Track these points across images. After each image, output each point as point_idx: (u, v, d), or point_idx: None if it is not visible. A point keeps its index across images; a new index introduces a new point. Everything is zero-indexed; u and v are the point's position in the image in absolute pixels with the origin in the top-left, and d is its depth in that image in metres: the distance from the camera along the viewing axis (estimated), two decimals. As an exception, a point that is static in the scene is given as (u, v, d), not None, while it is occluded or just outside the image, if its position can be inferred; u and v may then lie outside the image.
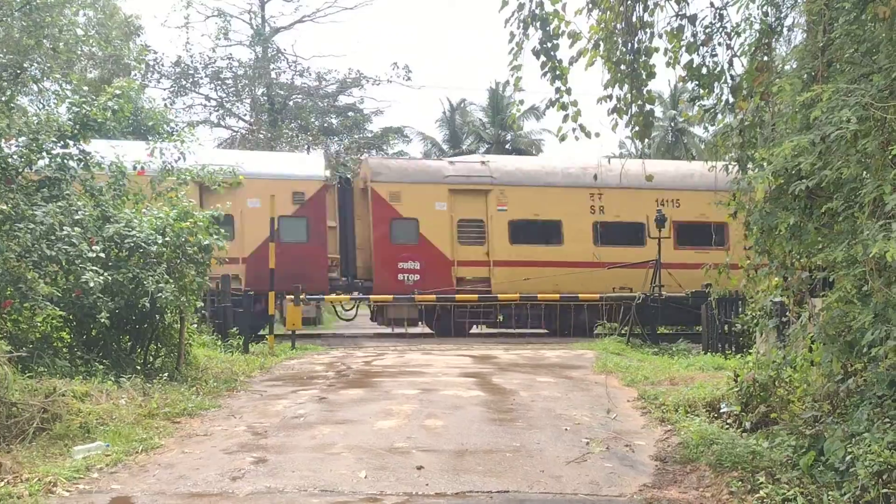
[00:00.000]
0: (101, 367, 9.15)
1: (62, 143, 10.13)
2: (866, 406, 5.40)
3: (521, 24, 7.08)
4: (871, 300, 5.31)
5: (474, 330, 20.25)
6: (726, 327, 14.41)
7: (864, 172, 5.27)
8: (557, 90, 7.28)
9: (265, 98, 35.25)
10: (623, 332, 17.40)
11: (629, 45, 7.09)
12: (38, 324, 9.11)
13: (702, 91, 7.23)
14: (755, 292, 7.44)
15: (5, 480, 5.57)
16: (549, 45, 7.14)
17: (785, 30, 7.24)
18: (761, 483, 5.45)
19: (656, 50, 7.19)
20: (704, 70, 7.14)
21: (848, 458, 5.12)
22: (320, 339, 18.24)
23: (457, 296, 19.06)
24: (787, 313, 7.56)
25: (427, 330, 19.93)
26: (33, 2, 14.32)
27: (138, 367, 9.93)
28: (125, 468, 6.19)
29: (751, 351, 9.77)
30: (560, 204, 19.59)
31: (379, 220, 19.20)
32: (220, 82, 34.90)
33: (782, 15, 7.14)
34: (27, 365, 8.22)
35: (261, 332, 16.81)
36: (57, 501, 5.36)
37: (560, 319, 19.49)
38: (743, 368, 7.87)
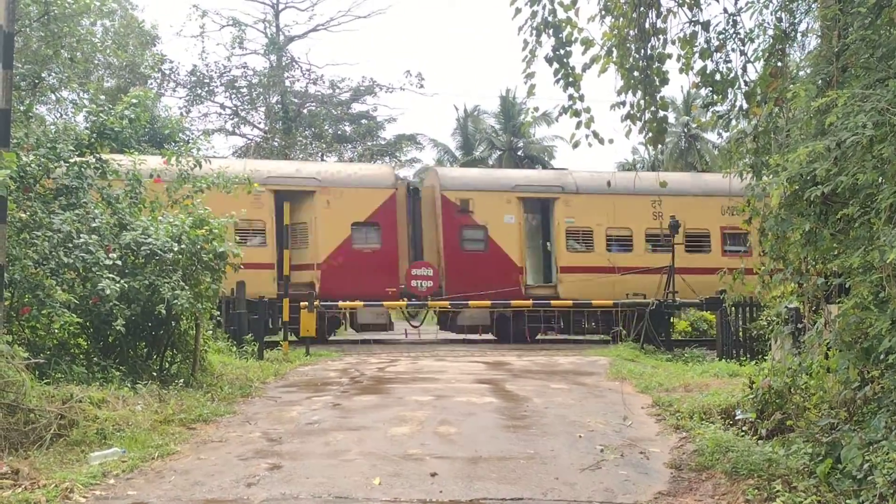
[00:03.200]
0: (118, 373, 9.21)
1: (79, 151, 10.25)
2: (884, 413, 5.35)
3: (534, 32, 7.10)
4: (888, 307, 5.28)
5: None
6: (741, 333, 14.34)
7: (881, 178, 5.24)
8: (570, 97, 7.28)
9: (279, 106, 35.47)
10: (636, 337, 17.34)
11: (642, 51, 7.09)
12: (56, 331, 9.17)
13: (715, 97, 7.22)
14: (770, 298, 7.40)
15: (23, 486, 5.61)
16: (562, 52, 7.15)
17: (799, 35, 7.24)
18: (778, 491, 5.40)
19: (669, 56, 7.19)
20: (718, 76, 7.13)
21: (865, 466, 5.07)
22: (334, 346, 18.29)
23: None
24: (803, 320, 7.52)
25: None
26: (51, 12, 14.52)
27: (154, 374, 9.99)
28: (141, 474, 6.23)
29: (766, 357, 9.71)
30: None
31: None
32: (234, 91, 35.17)
33: (796, 20, 7.14)
34: (44, 371, 8.29)
35: (274, 339, 16.91)
36: (74, 507, 5.40)
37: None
38: (758, 375, 7.81)
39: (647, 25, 7.03)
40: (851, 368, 5.72)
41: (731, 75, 7.10)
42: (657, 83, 7.15)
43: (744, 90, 7.08)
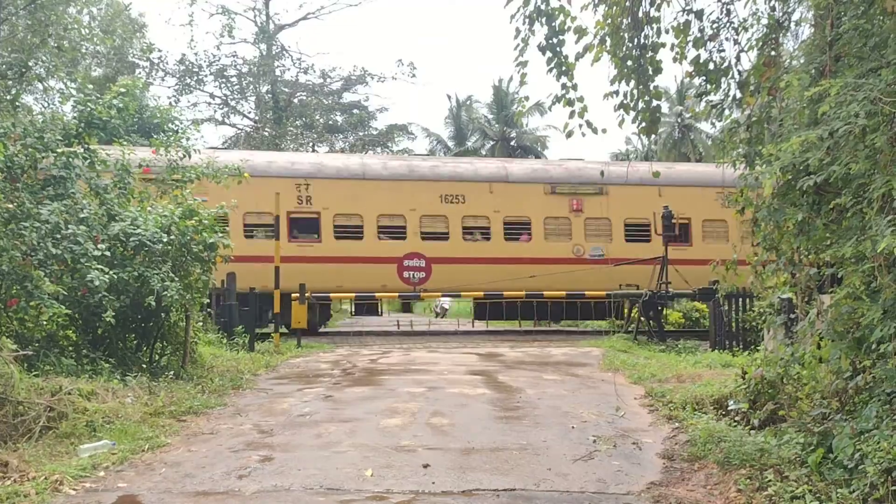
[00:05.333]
0: (107, 365, 9.16)
1: (67, 141, 10.14)
2: (875, 403, 5.36)
3: (527, 20, 7.02)
4: (879, 296, 5.27)
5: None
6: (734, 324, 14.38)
7: (873, 168, 5.22)
8: (563, 86, 7.21)
9: (270, 96, 35.27)
10: (629, 329, 17.37)
11: (635, 40, 7.03)
12: (44, 322, 9.10)
13: (709, 86, 7.17)
14: (763, 289, 7.40)
15: (12, 479, 5.57)
16: (555, 40, 7.07)
17: (792, 24, 7.20)
18: (769, 481, 5.41)
19: (663, 45, 7.12)
20: (711, 65, 7.08)
21: (857, 455, 5.08)
22: (326, 338, 18.24)
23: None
24: (795, 310, 7.51)
25: None
26: (38, 0, 14.35)
27: (144, 366, 9.94)
28: (131, 466, 6.19)
29: (758, 348, 9.73)
30: None
31: None
32: (224, 80, 34.96)
33: (790, 9, 7.09)
34: (33, 363, 8.23)
35: (265, 330, 16.86)
36: (63, 500, 5.35)
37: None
38: (751, 365, 7.82)
39: (640, 14, 6.97)
40: (843, 358, 5.72)
41: (725, 65, 7.05)
42: (650, 72, 7.10)
43: (737, 80, 7.04)
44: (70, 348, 9.46)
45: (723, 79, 7.09)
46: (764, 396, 7.19)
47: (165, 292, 9.60)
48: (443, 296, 21.12)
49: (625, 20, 6.97)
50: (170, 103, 32.09)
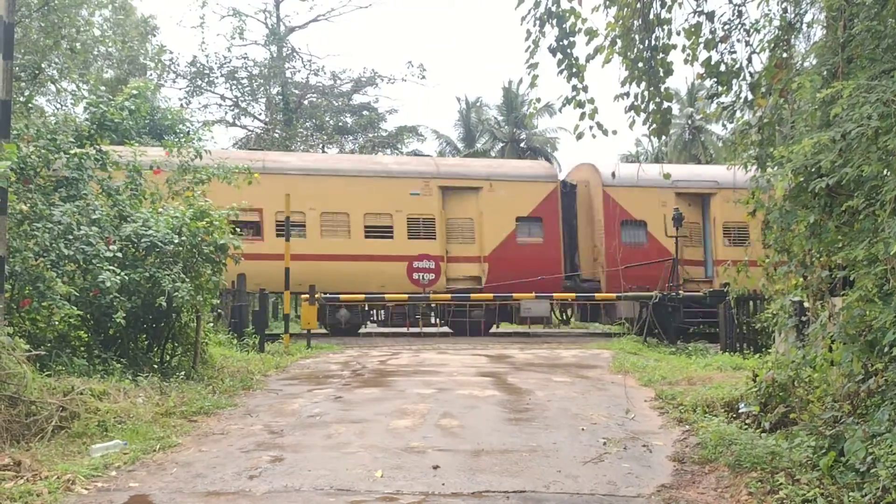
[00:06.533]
0: (119, 365, 9.20)
1: (80, 143, 10.21)
2: (887, 406, 5.33)
3: (538, 22, 7.04)
4: (892, 299, 5.25)
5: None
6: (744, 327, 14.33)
7: (886, 170, 5.20)
8: (574, 88, 7.22)
9: (280, 97, 35.37)
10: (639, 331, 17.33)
11: (646, 42, 7.03)
12: (56, 323, 9.15)
13: (720, 88, 7.17)
14: (774, 291, 7.37)
15: (25, 478, 5.60)
16: (566, 42, 7.08)
17: (804, 26, 7.17)
18: (781, 484, 5.38)
19: (674, 47, 7.12)
20: (723, 67, 7.07)
21: (869, 458, 5.05)
22: (335, 339, 18.28)
23: None
24: (807, 312, 7.48)
25: None
26: (51, 2, 14.46)
27: (155, 366, 9.98)
28: (143, 466, 6.22)
29: (769, 350, 9.68)
30: None
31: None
32: (235, 82, 35.08)
33: (801, 11, 7.07)
34: (45, 364, 8.27)
35: (275, 331, 16.91)
36: (76, 499, 5.38)
37: None
38: (762, 368, 7.79)
39: (651, 16, 6.96)
40: (855, 361, 5.69)
41: (736, 66, 7.04)
42: (661, 74, 7.09)
43: (749, 81, 7.03)
44: (82, 348, 9.52)
45: (734, 80, 7.08)
46: (775, 399, 7.15)
47: (176, 293, 9.64)
48: None
49: (636, 22, 6.98)
50: (181, 105, 32.31)
